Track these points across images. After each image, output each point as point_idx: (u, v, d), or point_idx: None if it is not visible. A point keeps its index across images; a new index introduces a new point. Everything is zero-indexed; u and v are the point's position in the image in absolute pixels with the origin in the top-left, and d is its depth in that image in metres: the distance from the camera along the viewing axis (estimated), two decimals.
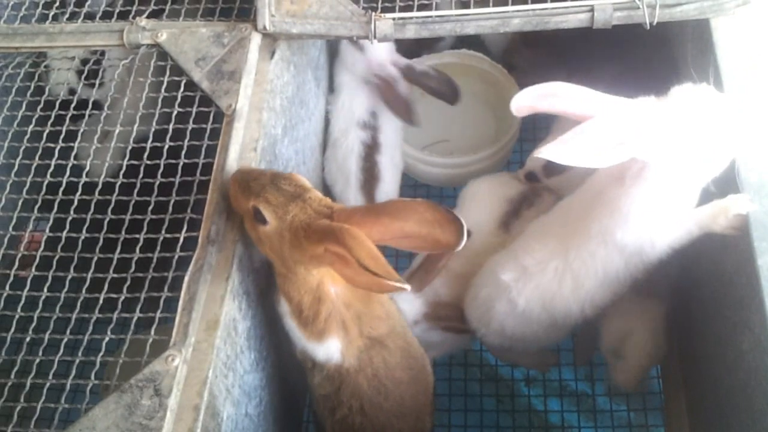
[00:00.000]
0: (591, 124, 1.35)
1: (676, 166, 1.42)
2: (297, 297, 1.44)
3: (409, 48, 2.43)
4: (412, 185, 2.40)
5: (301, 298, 1.44)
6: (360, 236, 1.25)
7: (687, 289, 1.85)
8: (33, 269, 1.47)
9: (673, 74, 1.89)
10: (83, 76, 1.80)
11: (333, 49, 2.36)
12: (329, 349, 1.50)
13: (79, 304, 1.38)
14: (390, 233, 1.33)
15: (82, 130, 1.66)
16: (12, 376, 1.32)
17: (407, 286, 1.23)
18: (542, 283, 1.65)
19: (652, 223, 1.49)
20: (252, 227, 1.42)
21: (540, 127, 2.30)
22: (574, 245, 1.60)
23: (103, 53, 1.85)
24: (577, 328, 1.79)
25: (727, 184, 1.45)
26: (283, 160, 1.75)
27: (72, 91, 1.79)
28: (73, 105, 1.67)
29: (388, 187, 2.18)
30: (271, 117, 1.65)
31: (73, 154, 1.60)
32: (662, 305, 1.84)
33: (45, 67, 1.82)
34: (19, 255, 1.50)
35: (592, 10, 1.61)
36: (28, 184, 1.56)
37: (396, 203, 1.38)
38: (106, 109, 1.69)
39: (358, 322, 1.50)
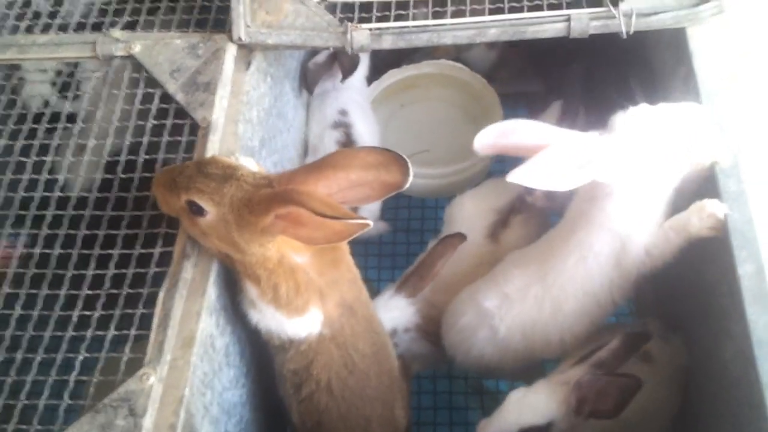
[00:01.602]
0: (554, 149, 1.41)
1: (636, 182, 1.48)
2: (266, 276, 1.38)
3: (385, 59, 2.44)
4: (393, 196, 2.38)
5: (272, 276, 1.39)
6: (307, 190, 1.26)
7: (670, 300, 1.85)
8: (6, 286, 1.44)
9: (651, 83, 1.90)
10: (57, 89, 1.78)
11: None
12: (311, 322, 1.46)
13: (53, 321, 1.36)
14: (336, 184, 1.32)
15: (56, 143, 1.63)
16: None
17: (369, 221, 1.23)
18: (523, 311, 1.65)
19: (626, 228, 1.51)
20: (192, 224, 1.37)
21: None
22: (552, 267, 1.61)
23: (77, 65, 1.82)
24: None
25: (707, 195, 1.45)
26: None
27: (46, 104, 1.77)
28: (45, 118, 1.65)
29: None
30: (247, 129, 1.63)
31: (45, 167, 1.57)
32: None
33: (19, 79, 1.79)
34: None
35: (568, 19, 1.62)
36: (0, 198, 1.53)
37: (336, 153, 1.38)
38: (80, 122, 1.66)
39: (335, 287, 1.47)
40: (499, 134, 1.48)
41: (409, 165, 1.32)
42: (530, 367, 1.97)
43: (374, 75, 2.46)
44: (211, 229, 1.35)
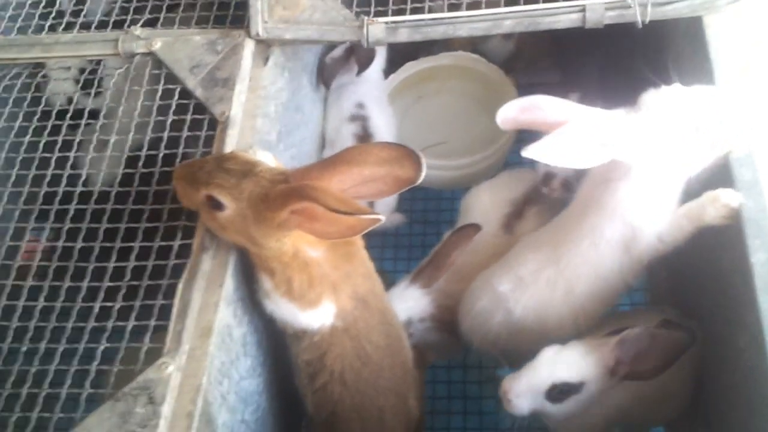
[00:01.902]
0: (573, 126, 1.39)
1: (658, 165, 1.45)
2: (280, 269, 1.42)
3: (402, 51, 2.46)
4: (409, 188, 2.40)
5: (287, 270, 1.42)
6: (321, 186, 1.28)
7: (684, 289, 1.85)
8: (30, 279, 1.49)
9: (667, 72, 1.89)
10: (80, 86, 1.82)
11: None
12: (324, 314, 1.49)
13: (75, 313, 1.39)
14: (350, 180, 1.34)
15: (78, 139, 1.67)
16: (8, 386, 1.33)
17: (382, 217, 1.25)
18: (536, 293, 1.66)
19: (638, 217, 1.50)
20: (211, 217, 1.40)
21: None
22: (565, 251, 1.61)
23: (99, 62, 1.86)
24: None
25: (721, 182, 1.44)
26: None
27: (70, 101, 1.81)
28: (69, 114, 1.69)
29: None
30: (265, 123, 1.66)
31: (69, 163, 1.61)
32: None
33: (43, 77, 1.84)
34: (17, 265, 1.51)
35: (583, 10, 1.62)
36: (25, 194, 1.58)
37: (350, 149, 1.39)
38: (102, 118, 1.70)
39: (348, 281, 1.50)
40: (521, 109, 1.46)
41: (423, 160, 1.33)
42: None
43: (391, 68, 2.47)
44: (229, 223, 1.38)
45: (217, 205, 1.37)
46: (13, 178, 1.60)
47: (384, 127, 2.24)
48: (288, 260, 1.41)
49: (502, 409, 1.56)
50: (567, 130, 1.38)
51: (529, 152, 1.36)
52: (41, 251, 1.54)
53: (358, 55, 2.20)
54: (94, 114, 1.72)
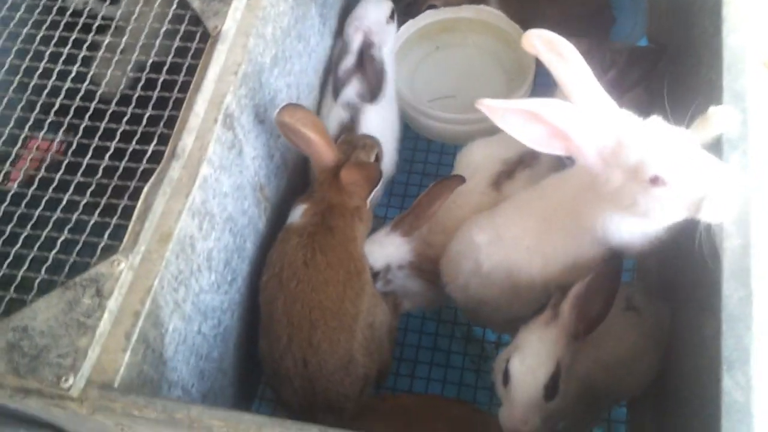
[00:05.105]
0: (555, 108, 1.34)
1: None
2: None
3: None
4: (413, 138, 2.38)
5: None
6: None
7: (669, 271, 1.81)
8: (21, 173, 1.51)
9: (687, 53, 1.83)
10: None
11: None
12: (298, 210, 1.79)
13: (44, 202, 1.42)
14: None
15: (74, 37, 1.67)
16: None
17: None
18: (512, 255, 1.65)
19: (625, 240, 1.49)
20: None
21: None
22: (548, 236, 1.60)
23: None
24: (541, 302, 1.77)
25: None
26: (270, 90, 1.74)
27: (85, 3, 1.80)
28: (67, 17, 1.69)
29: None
30: (259, 44, 1.64)
31: (63, 59, 1.61)
32: None
33: None
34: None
35: None
36: (29, 89, 1.58)
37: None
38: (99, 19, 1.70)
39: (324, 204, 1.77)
40: (547, 42, 1.37)
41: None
42: (515, 320, 1.97)
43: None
44: None
45: None
46: (21, 72, 1.61)
47: (377, 124, 2.11)
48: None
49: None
50: (545, 107, 1.34)
51: (483, 105, 1.36)
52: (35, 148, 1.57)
53: (368, 72, 2.11)
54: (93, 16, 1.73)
